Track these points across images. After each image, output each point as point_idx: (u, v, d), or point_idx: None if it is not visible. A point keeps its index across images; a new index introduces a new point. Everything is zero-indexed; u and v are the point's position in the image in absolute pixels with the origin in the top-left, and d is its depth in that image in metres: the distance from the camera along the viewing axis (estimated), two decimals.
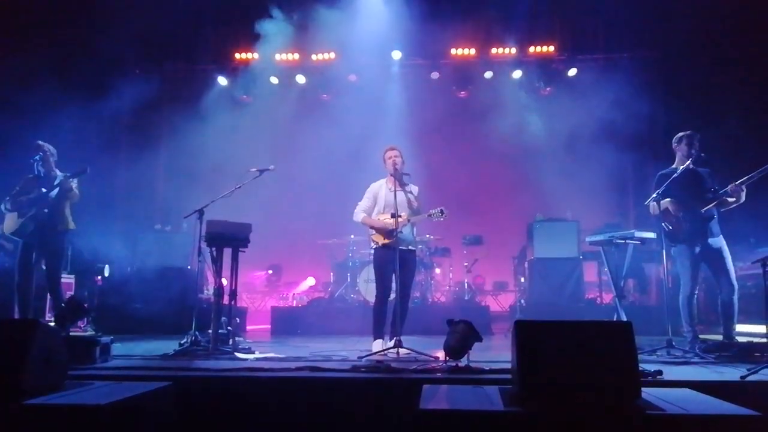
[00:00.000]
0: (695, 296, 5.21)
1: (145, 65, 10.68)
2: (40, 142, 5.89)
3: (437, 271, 9.80)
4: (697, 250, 5.18)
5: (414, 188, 5.68)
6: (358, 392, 3.66)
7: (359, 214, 5.62)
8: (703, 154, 5.23)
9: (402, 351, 4.86)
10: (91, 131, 8.21)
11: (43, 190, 5.68)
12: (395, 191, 5.30)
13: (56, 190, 5.69)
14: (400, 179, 5.50)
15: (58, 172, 5.86)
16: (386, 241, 5.40)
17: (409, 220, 5.41)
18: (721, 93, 7.96)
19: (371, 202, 5.63)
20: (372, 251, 5.71)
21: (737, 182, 4.95)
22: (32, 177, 5.79)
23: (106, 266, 8.51)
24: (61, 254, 5.86)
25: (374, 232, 5.53)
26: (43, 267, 5.85)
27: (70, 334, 4.47)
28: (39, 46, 8.46)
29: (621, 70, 9.92)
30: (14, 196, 5.74)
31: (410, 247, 5.56)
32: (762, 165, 4.76)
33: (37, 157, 5.79)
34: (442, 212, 5.35)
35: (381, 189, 5.64)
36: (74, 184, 5.80)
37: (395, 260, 5.19)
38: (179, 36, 10.33)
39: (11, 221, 5.72)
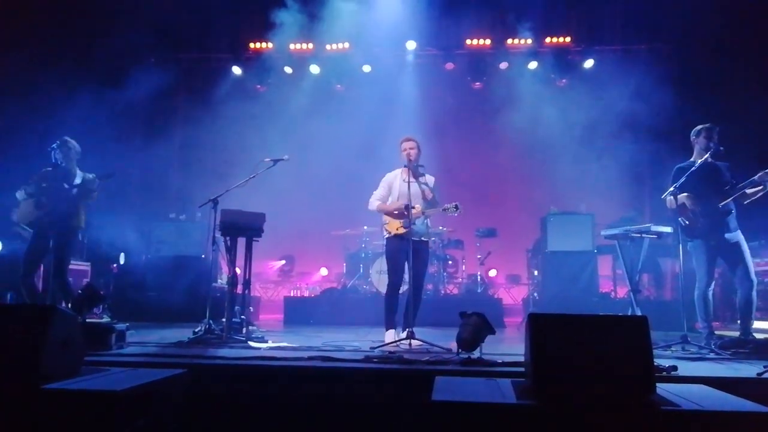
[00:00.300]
0: (711, 292, 5.14)
1: (159, 54, 10.70)
2: (66, 138, 5.92)
3: (450, 263, 9.77)
4: (714, 245, 5.11)
5: (430, 179, 5.65)
6: (370, 382, 3.67)
7: (374, 203, 5.63)
8: (722, 148, 5.15)
9: (414, 342, 4.87)
10: (106, 121, 8.26)
11: (65, 185, 5.70)
12: (409, 183, 5.29)
13: (76, 189, 5.72)
14: (414, 171, 5.49)
15: (78, 171, 5.88)
16: (399, 231, 5.39)
17: (423, 213, 5.41)
18: (741, 85, 7.81)
19: (386, 191, 5.64)
20: (384, 241, 5.70)
21: (766, 170, 4.84)
22: (53, 167, 5.79)
23: (122, 254, 8.61)
24: (69, 249, 5.83)
25: (388, 221, 5.53)
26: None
27: (87, 320, 4.51)
28: (53, 36, 8.52)
29: (638, 61, 9.81)
30: (33, 185, 5.76)
31: (423, 239, 5.55)
32: None
33: (54, 146, 5.81)
34: (456, 207, 5.33)
35: (396, 179, 5.64)
36: (95, 192, 5.86)
37: (408, 251, 5.20)
38: (194, 25, 10.35)
39: (27, 210, 5.74)
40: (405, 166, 5.53)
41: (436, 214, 5.64)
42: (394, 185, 5.62)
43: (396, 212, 5.44)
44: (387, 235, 5.55)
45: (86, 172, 5.89)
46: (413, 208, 5.27)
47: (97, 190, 5.81)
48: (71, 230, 5.75)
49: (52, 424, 2.73)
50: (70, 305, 4.81)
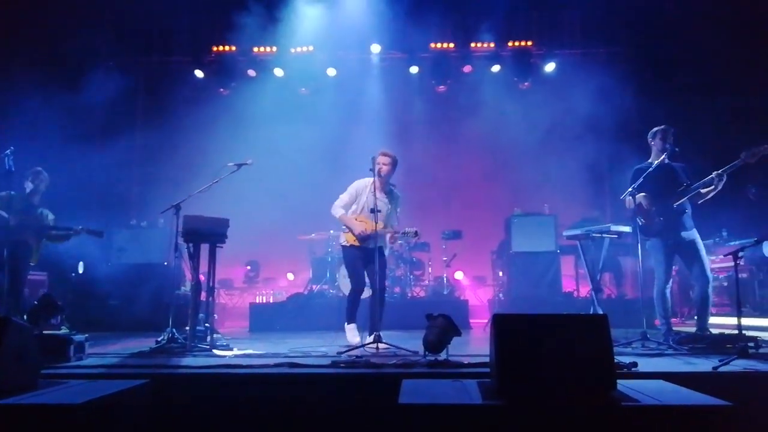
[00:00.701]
0: (669, 289, 5.28)
1: (120, 58, 10.49)
2: (38, 169, 6.04)
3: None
4: (671, 243, 5.25)
5: (398, 195, 5.69)
6: (337, 387, 3.66)
7: (338, 209, 5.56)
8: (676, 149, 5.31)
9: (381, 346, 4.86)
10: (65, 125, 8.05)
11: (39, 211, 5.91)
12: (375, 195, 5.29)
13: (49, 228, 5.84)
14: (383, 186, 5.50)
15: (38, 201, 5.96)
16: (356, 243, 5.44)
17: (383, 231, 5.39)
18: (697, 87, 8.07)
19: (352, 199, 5.59)
20: (341, 249, 5.70)
21: (718, 171, 5.00)
22: (3, 173, 5.61)
23: (81, 263, 8.38)
24: (25, 259, 5.88)
25: (347, 230, 5.53)
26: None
27: (44, 332, 4.37)
28: (11, 39, 8.27)
29: (598, 64, 10.04)
30: None
31: (379, 244, 5.53)
32: (739, 156, 4.84)
33: (8, 152, 5.62)
34: (416, 233, 5.45)
35: (365, 189, 5.57)
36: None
37: (366, 257, 5.28)
38: (155, 29, 10.18)
39: None
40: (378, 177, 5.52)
41: (403, 213, 5.65)
42: (361, 196, 5.57)
43: (361, 225, 5.42)
44: (344, 243, 5.55)
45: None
46: (379, 210, 5.25)
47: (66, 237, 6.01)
48: (27, 246, 5.66)
49: None
50: (25, 317, 4.66)
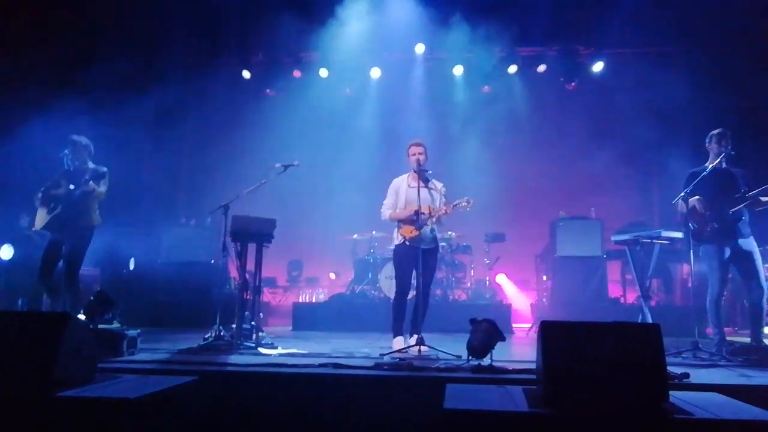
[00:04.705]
0: (723, 298, 5.11)
1: (168, 59, 10.76)
2: (73, 136, 5.92)
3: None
4: (727, 251, 5.07)
5: (438, 184, 5.62)
6: (381, 390, 3.67)
7: (386, 212, 5.58)
8: (733, 152, 5.13)
9: (423, 349, 4.86)
10: (115, 126, 8.31)
11: (71, 186, 5.72)
12: (419, 188, 5.28)
13: (79, 190, 5.71)
14: (423, 176, 5.48)
15: (91, 165, 5.90)
16: (411, 235, 5.37)
17: (431, 214, 5.35)
18: (756, 88, 7.75)
19: (394, 199, 5.60)
20: (393, 247, 5.68)
21: None
22: (63, 172, 5.84)
23: (132, 260, 8.65)
24: (81, 250, 5.77)
25: (401, 226, 5.50)
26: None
27: (99, 327, 4.53)
28: (60, 40, 8.60)
29: (649, 65, 9.77)
30: (45, 191, 5.81)
31: (431, 246, 5.53)
32: None
33: (66, 151, 5.84)
34: (468, 201, 5.31)
35: (402, 185, 5.60)
36: (102, 186, 5.81)
37: (416, 257, 5.19)
38: (203, 29, 10.39)
39: (41, 216, 5.80)
40: (414, 171, 5.51)
41: (448, 216, 5.58)
42: (400, 191, 5.57)
43: (406, 216, 5.41)
44: (397, 242, 5.53)
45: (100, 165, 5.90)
46: (423, 213, 5.26)
47: (97, 189, 5.74)
48: (81, 231, 5.74)
49: (66, 431, 2.75)
50: (81, 311, 4.83)
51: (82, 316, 4.64)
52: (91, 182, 5.66)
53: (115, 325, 4.82)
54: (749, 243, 5.07)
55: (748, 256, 5.04)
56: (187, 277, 8.18)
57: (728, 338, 5.18)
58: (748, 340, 5.09)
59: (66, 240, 5.73)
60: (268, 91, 11.14)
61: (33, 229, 5.94)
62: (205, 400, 3.57)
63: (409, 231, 5.39)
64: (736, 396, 3.14)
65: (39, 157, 6.41)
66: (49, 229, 5.76)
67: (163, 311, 8.13)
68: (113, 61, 8.93)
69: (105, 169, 5.85)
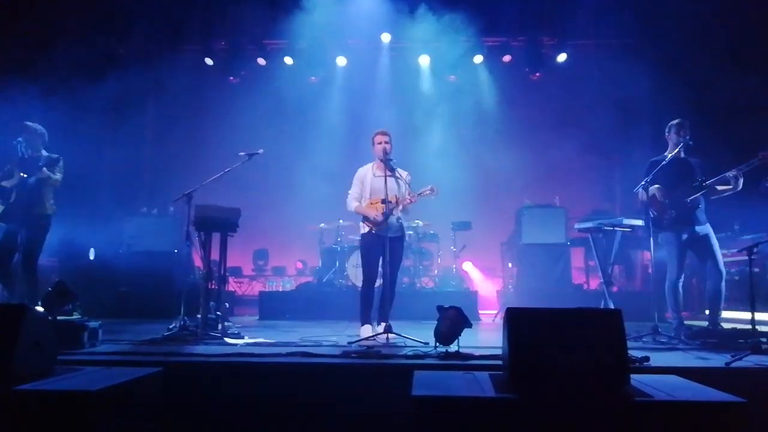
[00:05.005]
0: (681, 283, 5.26)
1: (129, 47, 10.46)
2: (27, 123, 5.74)
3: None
4: (684, 237, 5.22)
5: (403, 173, 5.60)
6: (349, 378, 3.67)
7: (352, 203, 5.56)
8: (691, 142, 5.27)
9: (391, 336, 4.88)
10: (75, 114, 8.07)
11: (23, 175, 5.54)
12: (385, 177, 5.27)
13: (33, 177, 5.55)
14: (388, 165, 5.47)
15: (44, 153, 5.73)
16: (377, 228, 5.38)
17: (398, 203, 5.36)
18: (714, 80, 7.95)
19: (360, 188, 5.57)
20: (360, 237, 5.67)
21: (736, 169, 4.96)
22: (16, 160, 5.65)
23: (92, 250, 8.44)
24: (38, 239, 5.65)
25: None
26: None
27: (58, 318, 4.41)
28: (23, 27, 8.29)
29: (611, 56, 9.92)
30: None
31: (398, 234, 5.53)
32: (757, 153, 4.80)
33: (20, 139, 5.66)
34: (432, 189, 5.33)
35: (367, 174, 5.58)
36: (57, 173, 5.66)
37: (382, 246, 5.20)
38: (165, 15, 10.12)
39: None
40: (380, 160, 5.49)
41: (414, 205, 5.59)
42: (366, 180, 5.55)
43: (373, 210, 5.40)
44: (364, 231, 5.52)
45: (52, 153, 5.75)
46: (389, 202, 5.26)
47: (53, 176, 5.60)
48: (36, 220, 5.59)
49: (25, 426, 2.67)
50: (40, 303, 4.69)
51: (40, 308, 4.51)
52: (44, 169, 5.51)
53: (76, 316, 4.68)
54: (706, 229, 5.22)
55: (705, 241, 5.19)
56: (149, 267, 8.01)
57: (686, 322, 5.34)
58: (705, 323, 5.26)
59: (21, 230, 5.56)
60: (231, 78, 10.93)
61: None
62: (171, 391, 3.52)
63: (372, 225, 5.39)
64: (694, 378, 3.23)
65: None
66: (3, 221, 5.59)
67: (125, 302, 7.97)
68: (72, 46, 8.66)
69: (58, 156, 5.70)
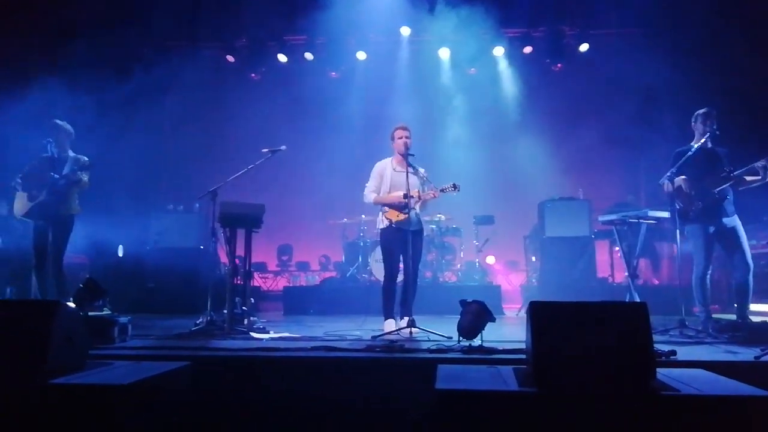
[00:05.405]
0: (708, 276, 5.18)
1: (153, 44, 10.58)
2: (57, 122, 5.86)
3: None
4: (711, 229, 5.14)
5: (421, 169, 5.62)
6: (373, 371, 3.70)
7: (370, 195, 5.58)
8: (718, 132, 5.18)
9: (414, 331, 4.90)
10: (101, 112, 8.20)
11: (54, 175, 5.66)
12: (407, 172, 5.28)
13: (63, 179, 5.66)
14: (405, 159, 5.47)
15: (71, 153, 5.85)
16: (398, 218, 5.39)
17: (420, 197, 5.38)
18: (741, 66, 7.77)
19: (378, 182, 5.59)
20: (379, 232, 5.68)
21: (765, 159, 4.85)
22: (45, 157, 5.76)
23: (120, 246, 8.60)
24: (65, 237, 5.76)
25: (387, 210, 5.51)
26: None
27: (89, 314, 4.52)
28: (43, 25, 8.43)
29: (634, 45, 9.74)
30: (25, 176, 5.73)
31: (417, 228, 5.54)
32: None
33: (51, 139, 5.77)
34: (454, 186, 5.30)
35: (386, 169, 5.60)
36: (85, 176, 5.79)
37: (403, 240, 5.22)
38: (186, 12, 10.22)
39: (21, 203, 5.73)
40: (400, 155, 5.51)
41: (433, 201, 5.61)
42: (385, 175, 5.58)
43: (395, 202, 5.42)
44: (382, 226, 5.53)
45: (80, 154, 5.86)
46: (412, 196, 5.27)
47: (83, 179, 5.72)
48: (63, 218, 5.72)
49: (59, 419, 2.75)
50: (71, 299, 4.81)
51: (71, 304, 4.63)
52: (79, 172, 5.64)
53: (106, 312, 4.80)
54: (733, 221, 5.13)
55: (733, 233, 5.10)
56: (176, 263, 8.14)
57: (714, 316, 5.27)
58: (734, 317, 5.18)
59: (49, 227, 5.69)
60: (252, 75, 11.01)
61: (14, 215, 5.88)
62: (198, 385, 3.59)
63: (396, 215, 5.41)
64: (722, 372, 3.19)
65: (12, 141, 6.32)
66: (31, 217, 5.72)
67: (153, 297, 8.12)
68: (93, 44, 8.77)
69: (87, 158, 5.82)
